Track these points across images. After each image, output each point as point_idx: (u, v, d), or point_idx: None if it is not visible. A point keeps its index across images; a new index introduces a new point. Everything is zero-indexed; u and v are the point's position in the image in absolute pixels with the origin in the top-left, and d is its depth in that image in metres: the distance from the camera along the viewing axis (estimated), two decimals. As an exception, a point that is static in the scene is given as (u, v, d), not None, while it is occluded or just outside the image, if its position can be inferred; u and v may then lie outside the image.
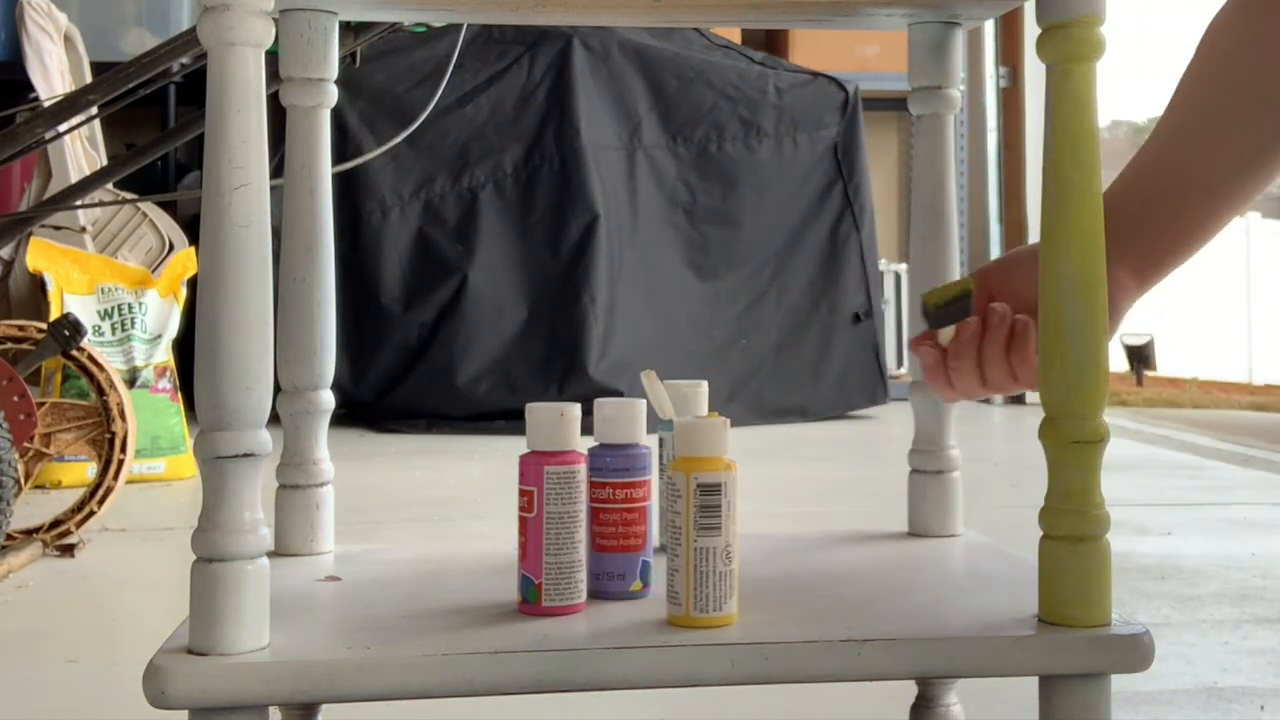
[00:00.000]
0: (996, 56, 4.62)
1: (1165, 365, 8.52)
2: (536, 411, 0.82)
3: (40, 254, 2.70)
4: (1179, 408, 6.24)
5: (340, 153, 3.31)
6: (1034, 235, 4.49)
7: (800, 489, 2.69)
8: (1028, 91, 4.65)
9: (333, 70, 0.99)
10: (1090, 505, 0.79)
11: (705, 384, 0.98)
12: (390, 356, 3.56)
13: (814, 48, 4.39)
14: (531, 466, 0.82)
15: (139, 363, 2.72)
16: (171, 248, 2.96)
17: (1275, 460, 3.21)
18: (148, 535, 2.18)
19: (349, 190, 3.56)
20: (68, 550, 2.01)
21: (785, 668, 0.76)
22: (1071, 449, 0.79)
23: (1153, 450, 3.42)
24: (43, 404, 2.09)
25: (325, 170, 0.99)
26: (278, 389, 0.98)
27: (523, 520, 0.82)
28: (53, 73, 2.89)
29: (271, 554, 0.93)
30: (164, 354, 2.77)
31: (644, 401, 0.88)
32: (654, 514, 0.90)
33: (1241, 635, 1.59)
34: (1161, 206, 0.97)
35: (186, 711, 0.73)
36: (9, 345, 2.05)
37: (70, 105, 1.82)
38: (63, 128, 2.14)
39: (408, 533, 2.22)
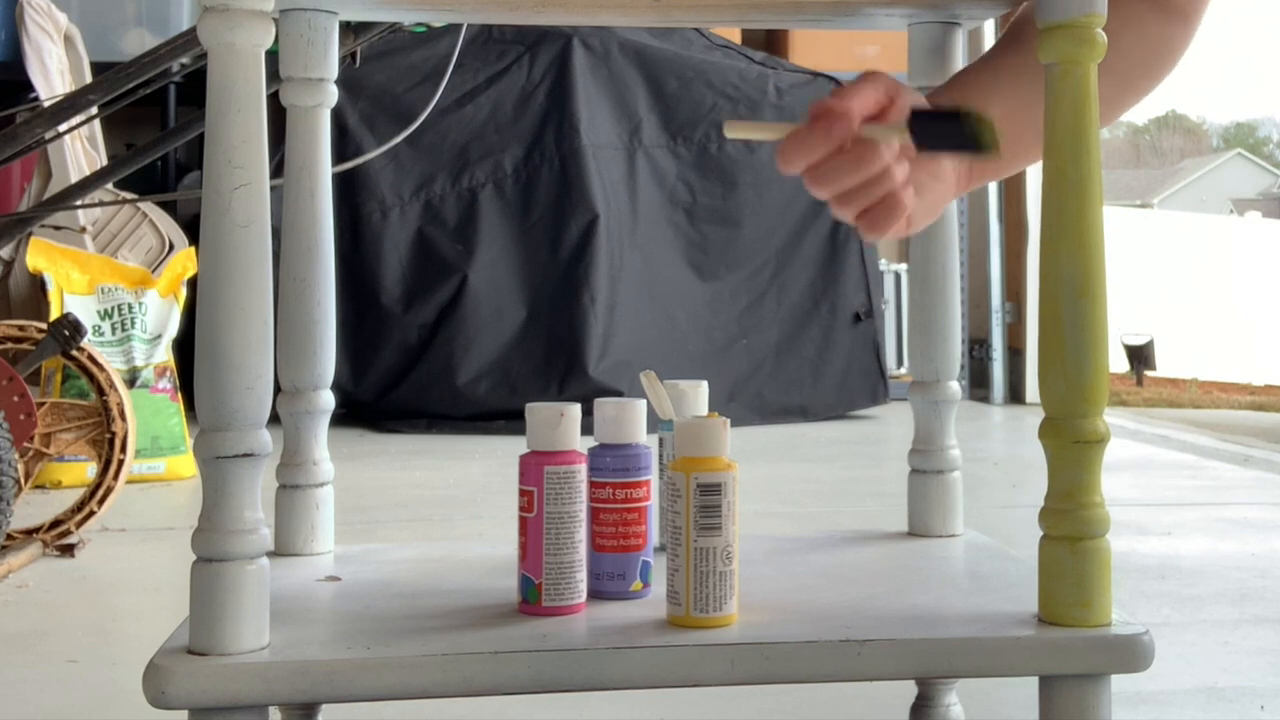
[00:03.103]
0: (996, 56, 4.62)
1: (1165, 365, 8.52)
2: (536, 411, 0.82)
3: (40, 254, 2.70)
4: (1179, 408, 6.24)
5: (340, 153, 3.31)
6: (1034, 235, 4.49)
7: (800, 489, 2.69)
8: (1028, 91, 4.64)
9: (333, 70, 0.99)
10: (1091, 506, 0.79)
11: (705, 384, 0.98)
12: (390, 356, 3.56)
13: (814, 48, 4.39)
14: (531, 466, 0.82)
15: (139, 363, 2.72)
16: (171, 248, 2.96)
17: (1275, 460, 3.21)
18: (148, 535, 2.18)
19: (349, 190, 3.56)
20: (68, 550, 2.01)
21: (785, 668, 0.76)
22: (1071, 449, 0.79)
23: (1153, 450, 3.42)
24: (43, 404, 2.09)
25: (325, 170, 0.99)
26: (278, 389, 0.98)
27: (523, 520, 0.82)
28: (53, 73, 2.89)
29: (271, 554, 0.93)
30: (164, 354, 2.77)
31: (644, 401, 0.88)
32: (654, 514, 0.90)
33: (1241, 635, 1.59)
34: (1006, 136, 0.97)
35: (186, 711, 0.73)
36: (9, 345, 2.05)
37: (70, 105, 1.82)
38: (63, 128, 2.14)
39: (408, 533, 2.22)
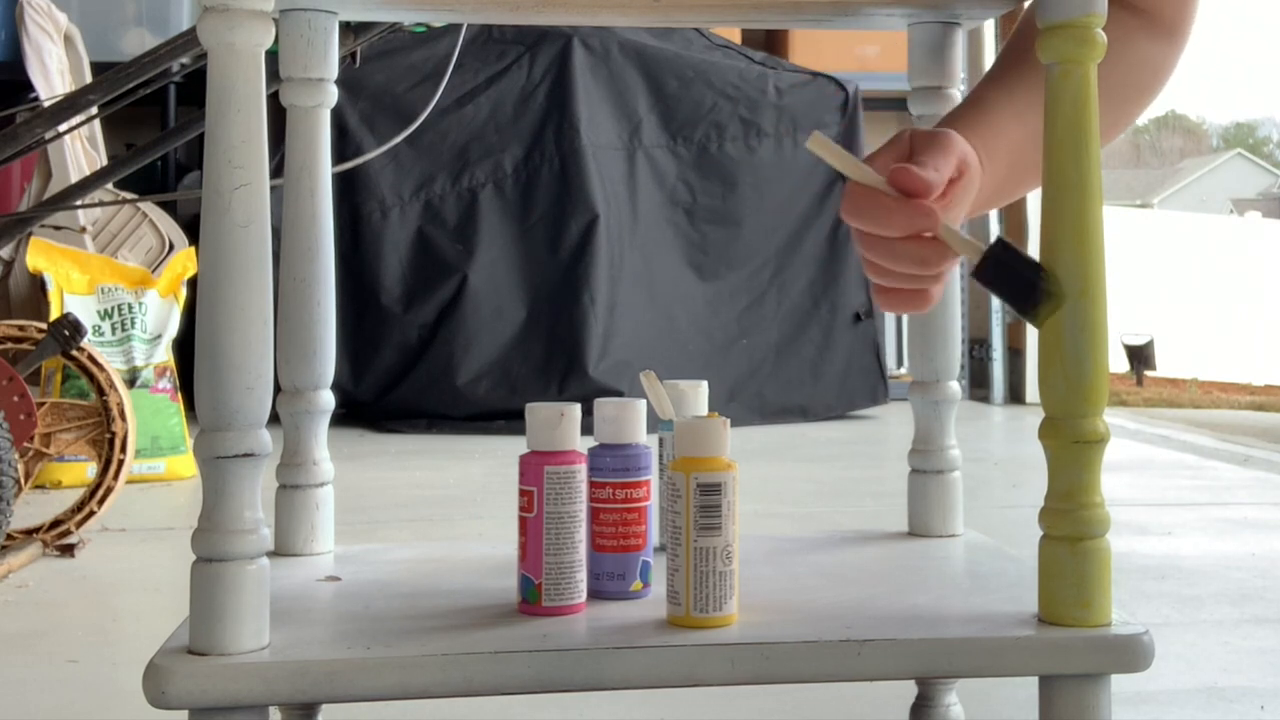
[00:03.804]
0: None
1: (1165, 365, 8.52)
2: (536, 411, 0.82)
3: (40, 254, 2.70)
4: (1179, 408, 6.24)
5: (340, 153, 3.31)
6: (1034, 235, 4.49)
7: (800, 489, 2.69)
8: (1028, 91, 4.64)
9: (333, 70, 0.99)
10: (1091, 506, 0.79)
11: (705, 384, 0.98)
12: (390, 356, 3.56)
13: (814, 48, 4.39)
14: (531, 466, 0.82)
15: (139, 363, 2.72)
16: (171, 248, 2.96)
17: (1275, 460, 3.21)
18: (148, 535, 2.18)
19: (349, 190, 3.56)
20: (68, 550, 2.01)
21: (785, 668, 0.76)
22: (1071, 449, 0.79)
23: (1153, 450, 3.42)
24: (43, 404, 2.09)
25: (325, 170, 0.99)
26: (278, 389, 0.98)
27: (523, 520, 0.82)
28: (53, 73, 2.89)
29: (271, 554, 0.93)
30: (164, 354, 2.77)
31: (644, 401, 0.88)
32: (654, 514, 0.90)
33: (1241, 635, 1.59)
34: (1000, 155, 0.96)
35: (186, 711, 0.73)
36: (9, 345, 2.05)
37: (70, 105, 1.82)
38: (63, 128, 2.14)
39: (408, 533, 2.22)
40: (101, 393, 2.11)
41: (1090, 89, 0.78)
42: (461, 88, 3.69)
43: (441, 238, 3.61)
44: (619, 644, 0.75)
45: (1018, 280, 0.79)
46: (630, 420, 0.85)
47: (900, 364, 4.37)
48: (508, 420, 3.41)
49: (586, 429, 0.81)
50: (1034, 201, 4.50)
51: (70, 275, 2.72)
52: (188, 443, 2.72)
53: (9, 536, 1.96)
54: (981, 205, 0.96)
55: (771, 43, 4.53)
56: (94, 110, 2.05)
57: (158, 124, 3.96)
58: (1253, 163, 35.51)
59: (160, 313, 2.79)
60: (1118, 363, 8.14)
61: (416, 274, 3.59)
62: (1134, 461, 3.18)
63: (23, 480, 2.01)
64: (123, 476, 2.11)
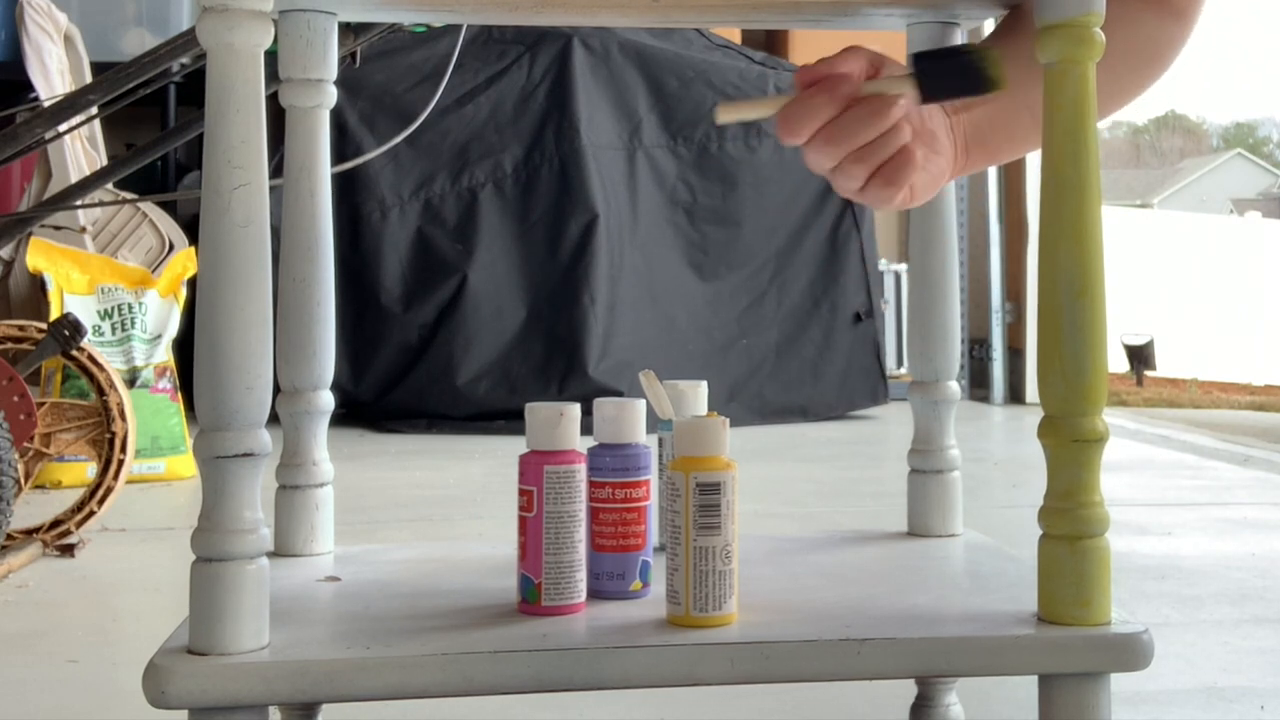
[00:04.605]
0: (996, 56, 4.61)
1: (1165, 365, 8.52)
2: (536, 411, 0.82)
3: (40, 254, 2.70)
4: (1179, 408, 6.24)
5: (340, 153, 3.31)
6: (1034, 235, 4.49)
7: (800, 489, 2.69)
8: (1028, 91, 4.64)
9: (332, 70, 0.99)
10: (1090, 505, 0.79)
11: (705, 384, 0.98)
12: (390, 356, 3.56)
13: (814, 48, 4.39)
14: (531, 466, 0.82)
15: (139, 363, 2.72)
16: (171, 248, 2.96)
17: (1275, 460, 3.21)
18: (148, 535, 2.18)
19: (349, 190, 3.56)
20: (68, 550, 2.01)
21: (785, 668, 0.76)
22: (1071, 448, 0.79)
23: (1153, 450, 3.42)
24: (43, 404, 2.09)
25: (325, 170, 0.99)
26: (278, 389, 0.98)
27: (522, 520, 0.82)
28: (53, 73, 2.89)
29: (271, 554, 0.93)
30: (164, 354, 2.77)
31: (644, 401, 0.88)
32: (654, 514, 0.90)
33: (1241, 635, 1.59)
34: (999, 119, 0.99)
35: (186, 711, 0.73)
36: (9, 345, 2.05)
37: (70, 105, 1.82)
38: (63, 128, 2.14)
39: (408, 533, 2.22)
40: (101, 393, 2.11)
41: (1089, 88, 0.78)
42: (461, 88, 3.69)
43: (441, 238, 3.61)
44: (619, 644, 0.76)
45: (957, 74, 0.83)
46: (630, 420, 0.85)
47: (900, 364, 4.37)
48: (508, 420, 3.41)
49: (586, 429, 0.81)
50: (1034, 201, 4.50)
51: (70, 275, 2.72)
52: (188, 443, 2.72)
53: (9, 536, 1.96)
54: (977, 153, 0.98)
55: (771, 43, 4.54)
56: (94, 110, 2.05)
57: (158, 124, 3.96)
58: (1253, 163, 35.52)
59: (160, 313, 2.79)
60: (1118, 363, 8.14)
61: (416, 274, 3.59)
62: (1134, 461, 3.18)
63: (23, 480, 2.01)
64: (123, 476, 2.11)
